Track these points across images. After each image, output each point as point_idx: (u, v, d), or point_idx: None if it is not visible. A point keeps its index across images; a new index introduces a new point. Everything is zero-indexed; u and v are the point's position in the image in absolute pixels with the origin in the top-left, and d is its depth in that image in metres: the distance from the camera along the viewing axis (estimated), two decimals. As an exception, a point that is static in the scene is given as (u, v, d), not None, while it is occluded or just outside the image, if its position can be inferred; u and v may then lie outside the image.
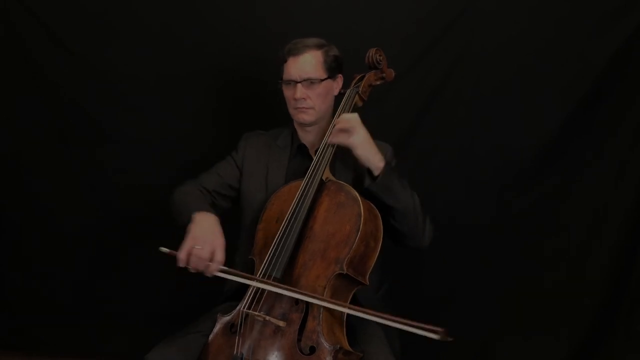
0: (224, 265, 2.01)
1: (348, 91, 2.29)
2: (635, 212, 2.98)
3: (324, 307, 1.92)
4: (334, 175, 2.15)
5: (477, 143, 3.03)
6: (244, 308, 1.97)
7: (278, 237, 2.02)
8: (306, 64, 2.22)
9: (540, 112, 3.00)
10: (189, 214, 2.07)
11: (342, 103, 2.26)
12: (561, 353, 3.05)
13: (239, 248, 2.30)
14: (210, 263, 1.98)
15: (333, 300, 1.94)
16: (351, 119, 2.14)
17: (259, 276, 2.00)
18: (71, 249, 3.22)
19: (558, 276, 3.07)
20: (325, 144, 2.16)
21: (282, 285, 1.95)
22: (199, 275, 2.01)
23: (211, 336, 2.03)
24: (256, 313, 1.94)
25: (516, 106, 3.00)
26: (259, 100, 3.02)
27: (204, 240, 1.98)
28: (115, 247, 3.18)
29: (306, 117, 2.25)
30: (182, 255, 1.97)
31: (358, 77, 2.32)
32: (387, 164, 2.14)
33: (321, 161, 2.12)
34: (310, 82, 2.22)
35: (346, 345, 1.94)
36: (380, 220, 2.07)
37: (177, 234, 2.04)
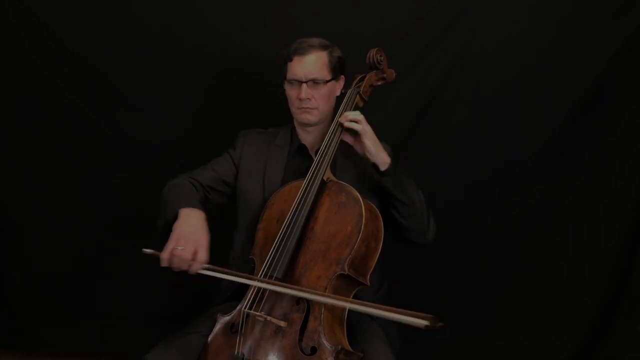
0: (208, 263, 1.99)
1: (349, 91, 2.29)
2: (635, 212, 2.98)
3: (325, 308, 1.92)
4: (334, 175, 2.15)
5: (477, 143, 3.03)
6: (245, 308, 1.97)
7: (279, 237, 2.02)
8: (312, 64, 2.22)
9: (540, 112, 3.00)
10: (174, 209, 2.06)
11: (344, 103, 2.26)
12: (561, 353, 3.06)
13: (234, 246, 2.30)
14: (193, 263, 1.97)
15: (332, 295, 1.94)
16: (357, 113, 2.16)
17: (260, 276, 2.00)
18: (71, 249, 3.22)
19: (558, 276, 3.07)
20: (328, 141, 2.16)
21: (255, 278, 1.96)
22: (188, 275, 2.01)
23: (211, 336, 2.02)
24: (257, 313, 1.94)
25: (516, 106, 3.00)
26: (259, 100, 3.02)
27: (186, 240, 1.96)
28: (115, 247, 3.17)
29: (310, 117, 2.25)
30: (164, 255, 1.96)
31: (359, 77, 2.32)
32: (392, 157, 2.16)
33: (322, 161, 2.12)
34: (315, 82, 2.22)
35: (347, 346, 1.94)
36: (381, 221, 2.07)
37: (160, 231, 2.06)
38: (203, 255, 1.98)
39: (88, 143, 3.15)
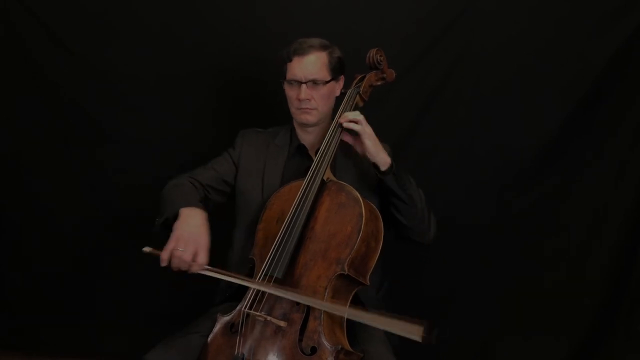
0: (208, 265, 1.99)
1: (349, 91, 2.29)
2: (635, 212, 2.98)
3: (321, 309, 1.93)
4: (335, 175, 2.15)
5: (477, 143, 3.04)
6: (245, 308, 1.97)
7: (279, 237, 2.02)
8: (311, 64, 2.22)
9: (540, 112, 3.00)
10: (175, 208, 2.06)
11: (343, 103, 2.26)
12: (561, 353, 3.06)
13: (233, 246, 2.30)
14: (192, 264, 1.97)
15: (332, 303, 1.94)
16: (357, 113, 2.16)
17: (260, 276, 2.00)
18: (71, 249, 3.22)
19: (558, 276, 3.07)
20: (328, 141, 2.16)
21: (256, 282, 1.96)
22: (199, 275, 2.01)
23: (211, 336, 2.02)
24: (257, 313, 1.94)
25: (516, 106, 3.00)
26: (259, 100, 3.02)
27: (187, 241, 1.96)
28: (115, 247, 3.17)
29: (309, 117, 2.25)
30: (164, 255, 1.96)
31: (359, 77, 2.32)
32: (393, 159, 2.16)
33: (322, 161, 2.12)
34: (314, 83, 2.22)
35: (347, 346, 1.94)
36: (381, 221, 2.08)
37: (158, 230, 2.06)
38: (203, 257, 1.97)
39: (88, 143, 3.15)
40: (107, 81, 3.09)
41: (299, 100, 2.22)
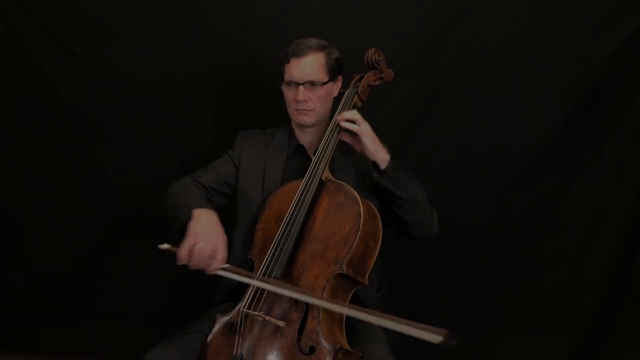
0: (226, 262, 1.99)
1: (347, 91, 2.29)
2: (635, 212, 2.98)
3: (324, 308, 1.92)
4: (333, 175, 2.15)
5: (477, 143, 3.03)
6: (243, 308, 1.97)
7: (277, 237, 2.02)
8: (309, 66, 2.21)
9: (540, 112, 3.00)
10: (188, 210, 2.04)
11: (342, 103, 2.26)
12: (561, 353, 3.05)
13: (234, 246, 2.30)
14: (213, 261, 1.96)
15: (334, 300, 1.94)
16: (354, 112, 2.16)
17: (259, 276, 2.00)
18: (71, 249, 3.22)
19: (558, 276, 3.07)
20: (326, 141, 2.16)
21: (284, 285, 1.94)
22: (199, 275, 2.00)
23: (210, 336, 2.02)
24: (256, 313, 1.94)
25: (516, 106, 3.00)
26: (259, 100, 3.02)
27: (206, 238, 1.95)
28: (115, 247, 3.17)
29: (307, 119, 2.25)
30: (183, 252, 1.93)
31: (357, 77, 2.32)
32: (392, 155, 2.16)
33: (321, 161, 2.12)
34: (312, 84, 2.21)
35: (346, 345, 1.94)
36: (380, 221, 2.08)
37: (178, 234, 2.03)
38: (223, 253, 1.96)
39: (88, 143, 3.15)
40: (107, 81, 3.09)
41: (297, 101, 2.22)
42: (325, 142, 2.16)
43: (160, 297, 3.16)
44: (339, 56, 2.29)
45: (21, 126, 3.15)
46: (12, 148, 3.17)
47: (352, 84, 2.30)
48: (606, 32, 2.94)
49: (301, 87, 2.21)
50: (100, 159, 3.16)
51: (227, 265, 1.99)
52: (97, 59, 3.08)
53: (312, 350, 1.88)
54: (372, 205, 2.08)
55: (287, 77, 2.24)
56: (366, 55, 2.30)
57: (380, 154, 2.14)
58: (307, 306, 1.93)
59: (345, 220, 2.00)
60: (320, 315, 1.91)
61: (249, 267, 2.10)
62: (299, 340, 1.90)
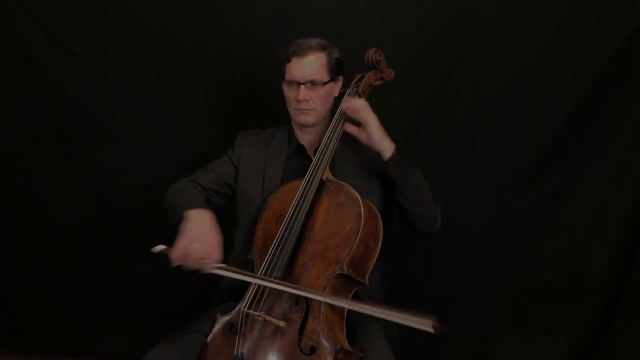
0: (221, 262, 1.99)
1: (348, 91, 2.29)
2: (635, 212, 2.98)
3: (324, 307, 1.92)
4: (333, 175, 2.15)
5: (477, 143, 3.03)
6: (244, 308, 1.97)
7: (278, 237, 2.02)
8: (310, 65, 2.21)
9: (540, 112, 3.00)
10: (183, 211, 2.04)
11: (342, 102, 2.25)
12: (561, 353, 3.05)
13: (234, 246, 2.30)
14: (207, 261, 1.95)
15: (334, 297, 1.94)
16: (360, 102, 2.17)
17: (260, 275, 2.00)
18: (71, 249, 3.22)
19: (558, 276, 3.07)
20: (327, 141, 2.16)
21: (282, 282, 1.95)
22: (199, 275, 2.00)
23: (210, 336, 2.02)
24: (256, 313, 1.94)
25: (516, 106, 3.00)
26: (259, 100, 3.02)
27: (201, 239, 1.95)
28: (115, 247, 3.18)
29: (308, 118, 2.25)
30: (177, 253, 1.93)
31: (358, 77, 2.32)
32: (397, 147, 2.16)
33: (321, 161, 2.12)
34: (313, 84, 2.21)
35: (346, 345, 1.94)
36: (380, 221, 2.08)
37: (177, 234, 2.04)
38: (217, 253, 1.96)
39: (88, 143, 3.15)
40: (107, 81, 3.09)
41: (297, 101, 2.22)
42: (327, 139, 2.16)
43: (160, 297, 3.16)
44: (340, 56, 2.30)
45: (21, 126, 3.15)
46: (12, 148, 3.17)
47: (352, 84, 2.30)
48: (606, 32, 2.94)
49: (302, 86, 2.21)
50: (100, 159, 3.16)
51: (222, 265, 1.99)
52: (97, 59, 3.09)
53: (313, 350, 1.88)
54: (373, 206, 2.08)
55: (288, 76, 2.24)
56: (367, 55, 2.30)
57: (385, 144, 2.13)
58: (308, 306, 1.93)
59: (346, 221, 2.00)
60: (321, 315, 1.91)
61: (250, 267, 2.10)
62: (299, 340, 1.90)
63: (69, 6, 3.07)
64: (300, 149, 2.33)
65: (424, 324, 1.78)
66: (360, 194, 2.04)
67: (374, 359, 2.00)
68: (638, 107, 2.96)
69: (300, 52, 2.21)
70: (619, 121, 2.98)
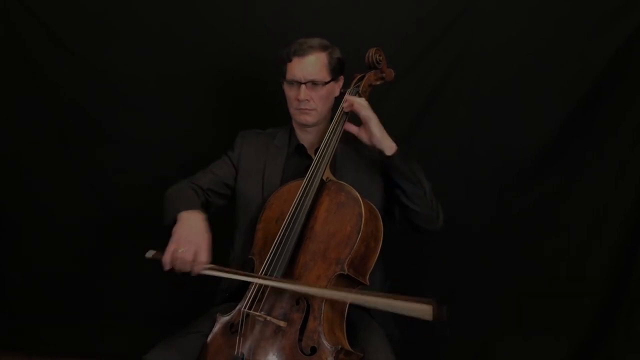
0: (210, 263, 1.99)
1: (348, 91, 2.29)
2: (635, 212, 2.98)
3: (325, 307, 1.92)
4: (334, 175, 2.15)
5: (477, 143, 3.03)
6: (244, 308, 1.97)
7: (278, 237, 2.02)
8: (311, 65, 2.21)
9: (540, 112, 3.00)
10: (175, 214, 2.06)
11: (343, 103, 2.26)
12: (561, 353, 3.05)
13: (234, 246, 2.31)
14: (194, 264, 1.97)
15: (333, 289, 1.95)
16: (362, 99, 2.17)
17: (261, 275, 2.00)
18: (71, 249, 3.22)
19: (558, 276, 3.07)
20: (327, 141, 2.16)
21: (273, 279, 1.96)
22: (199, 276, 2.01)
23: (210, 336, 2.02)
24: (257, 313, 1.94)
25: (516, 106, 3.00)
26: (259, 100, 3.02)
27: (187, 242, 1.97)
28: (115, 247, 3.18)
29: (308, 118, 2.25)
30: (166, 258, 1.97)
31: (358, 76, 2.32)
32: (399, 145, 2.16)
33: (322, 161, 2.12)
34: (314, 83, 2.21)
35: (347, 345, 1.94)
36: (381, 221, 2.08)
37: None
38: (204, 256, 1.98)
39: (88, 143, 3.16)
40: (107, 81, 3.10)
41: (298, 100, 2.22)
42: (328, 139, 2.16)
43: (160, 297, 3.16)
44: (341, 56, 2.30)
45: (21, 126, 3.15)
46: (12, 148, 3.18)
47: (353, 84, 2.30)
48: (606, 32, 2.94)
49: (303, 86, 2.21)
50: (100, 159, 3.16)
51: (211, 266, 1.99)
52: (97, 59, 3.09)
53: (314, 350, 1.88)
54: (374, 206, 2.08)
55: (289, 76, 2.24)
56: (367, 55, 2.30)
57: (386, 142, 2.14)
58: (309, 306, 1.94)
59: (347, 221, 2.00)
60: (322, 315, 1.91)
61: (250, 267, 2.10)
62: (300, 340, 1.90)
63: (69, 6, 3.07)
64: (300, 148, 2.33)
65: (423, 312, 1.76)
66: (360, 194, 2.04)
67: (375, 359, 2.00)
68: (638, 107, 2.96)
69: (302, 52, 2.22)
70: (619, 121, 2.98)
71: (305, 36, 2.28)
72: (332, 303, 1.96)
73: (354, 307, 2.04)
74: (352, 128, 2.19)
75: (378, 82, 2.35)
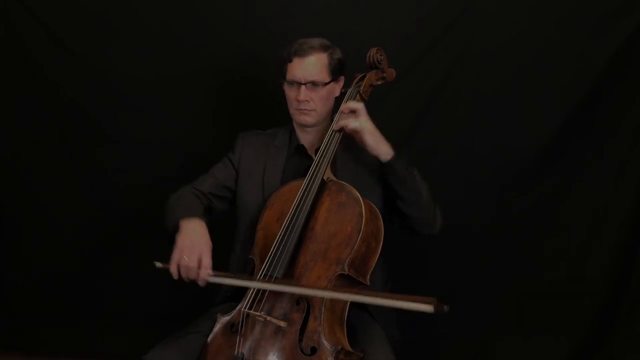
0: (213, 268, 2.00)
1: (349, 91, 2.28)
2: (635, 212, 2.98)
3: (325, 308, 1.92)
4: (335, 175, 2.15)
5: (477, 143, 3.03)
6: (244, 308, 1.97)
7: (279, 237, 2.02)
8: (312, 66, 2.21)
9: (540, 112, 3.00)
10: (176, 222, 2.07)
11: (344, 102, 2.25)
12: (561, 353, 3.05)
13: (235, 247, 2.31)
14: (199, 270, 1.98)
15: (332, 302, 1.94)
16: (358, 103, 2.17)
17: (260, 276, 2.00)
18: (71, 249, 3.22)
19: (558, 276, 3.06)
20: (328, 140, 2.16)
21: (280, 283, 1.95)
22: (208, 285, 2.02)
23: (211, 336, 2.02)
24: (257, 313, 1.94)
25: (516, 106, 3.00)
26: (259, 100, 3.02)
27: (189, 250, 1.98)
28: (115, 247, 3.18)
29: (308, 118, 2.25)
30: (173, 268, 1.99)
31: (359, 76, 2.31)
32: (396, 150, 2.15)
33: (322, 161, 2.12)
34: (314, 84, 2.21)
35: (347, 346, 1.94)
36: (381, 221, 2.07)
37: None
38: (207, 260, 1.98)
39: (88, 143, 3.16)
40: (107, 81, 3.10)
41: (298, 101, 2.21)
42: (327, 142, 2.16)
43: (160, 297, 3.16)
44: (342, 56, 2.29)
45: (21, 126, 3.16)
46: (12, 148, 3.18)
47: (354, 84, 2.29)
48: (606, 32, 2.94)
49: (303, 87, 2.20)
50: (100, 159, 3.17)
51: (217, 272, 2.01)
52: (97, 59, 3.09)
53: (314, 350, 1.88)
54: (374, 206, 2.08)
55: (289, 76, 2.24)
56: (368, 54, 2.29)
57: (382, 149, 2.13)
58: (309, 307, 1.93)
59: (347, 221, 2.00)
60: (322, 315, 1.91)
61: (250, 267, 2.10)
62: (300, 340, 1.90)
63: (69, 6, 3.07)
64: (300, 149, 2.32)
65: (424, 305, 1.76)
66: (361, 194, 2.04)
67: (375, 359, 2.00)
68: (638, 107, 2.96)
69: (302, 52, 2.21)
70: (619, 121, 2.98)
71: (305, 36, 2.27)
72: (333, 303, 1.96)
73: (354, 307, 2.04)
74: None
75: (379, 82, 2.34)
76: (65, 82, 3.11)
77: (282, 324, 1.91)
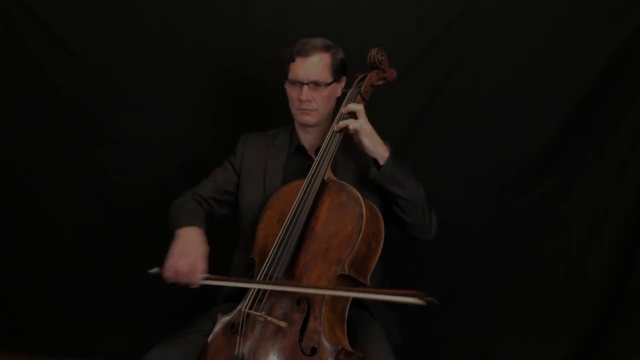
0: (213, 271, 2.01)
1: (350, 91, 2.28)
2: (635, 212, 2.98)
3: (325, 308, 1.92)
4: (335, 175, 2.15)
5: (477, 143, 3.03)
6: (245, 308, 1.97)
7: (279, 237, 2.02)
8: (314, 66, 2.21)
9: (540, 112, 3.00)
10: (174, 230, 2.08)
11: (344, 103, 2.25)
12: (561, 353, 3.05)
13: (236, 247, 2.31)
14: (192, 275, 1.98)
15: (332, 302, 1.95)
16: (357, 105, 2.17)
17: (260, 276, 2.00)
18: (71, 249, 3.22)
19: (558, 276, 3.07)
20: (329, 141, 2.16)
21: (271, 283, 1.96)
22: (201, 287, 2.02)
23: (211, 336, 2.03)
24: (257, 313, 1.94)
25: (516, 106, 3.00)
26: (259, 100, 3.02)
27: (183, 256, 1.99)
28: (115, 247, 3.18)
29: (310, 118, 2.25)
30: (167, 274, 2.00)
31: (360, 76, 2.31)
32: (392, 154, 2.15)
33: (323, 161, 2.12)
34: (316, 84, 2.21)
35: (347, 346, 1.94)
36: (382, 221, 2.07)
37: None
38: (200, 265, 1.99)
39: (88, 143, 3.16)
40: (107, 81, 3.10)
41: (300, 101, 2.21)
42: (328, 142, 2.16)
43: (160, 297, 3.14)
44: (344, 57, 2.29)
45: (21, 126, 3.15)
46: (12, 148, 3.18)
47: (355, 84, 2.29)
48: (606, 32, 2.94)
49: (305, 87, 2.20)
50: (100, 159, 3.17)
51: (209, 276, 2.01)
52: (97, 59, 3.09)
53: (314, 351, 1.88)
54: (375, 206, 2.08)
55: (291, 76, 2.23)
56: (369, 55, 2.29)
57: (379, 152, 2.13)
58: (309, 307, 1.94)
59: (348, 221, 2.00)
60: (322, 315, 1.91)
61: (251, 267, 2.10)
62: (300, 340, 1.90)
63: (69, 6, 3.07)
64: (300, 149, 2.32)
65: (415, 298, 1.77)
66: (362, 194, 2.04)
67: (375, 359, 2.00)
68: (638, 107, 2.96)
69: (305, 52, 2.21)
70: (619, 121, 2.98)
71: (306, 36, 2.27)
72: (333, 303, 1.96)
73: (354, 307, 2.04)
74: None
75: (380, 83, 2.34)
76: (65, 82, 3.11)
77: (283, 324, 1.92)
